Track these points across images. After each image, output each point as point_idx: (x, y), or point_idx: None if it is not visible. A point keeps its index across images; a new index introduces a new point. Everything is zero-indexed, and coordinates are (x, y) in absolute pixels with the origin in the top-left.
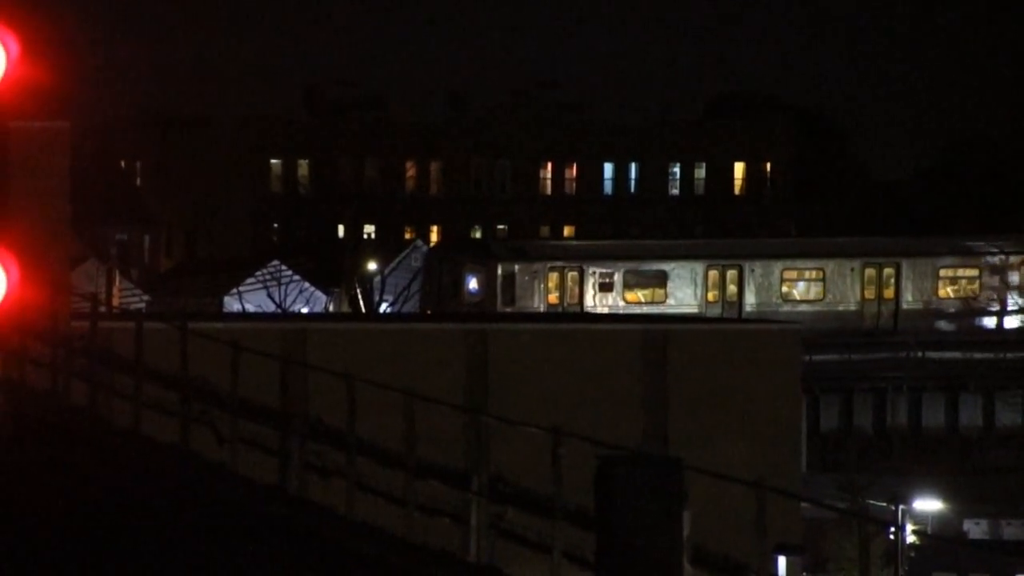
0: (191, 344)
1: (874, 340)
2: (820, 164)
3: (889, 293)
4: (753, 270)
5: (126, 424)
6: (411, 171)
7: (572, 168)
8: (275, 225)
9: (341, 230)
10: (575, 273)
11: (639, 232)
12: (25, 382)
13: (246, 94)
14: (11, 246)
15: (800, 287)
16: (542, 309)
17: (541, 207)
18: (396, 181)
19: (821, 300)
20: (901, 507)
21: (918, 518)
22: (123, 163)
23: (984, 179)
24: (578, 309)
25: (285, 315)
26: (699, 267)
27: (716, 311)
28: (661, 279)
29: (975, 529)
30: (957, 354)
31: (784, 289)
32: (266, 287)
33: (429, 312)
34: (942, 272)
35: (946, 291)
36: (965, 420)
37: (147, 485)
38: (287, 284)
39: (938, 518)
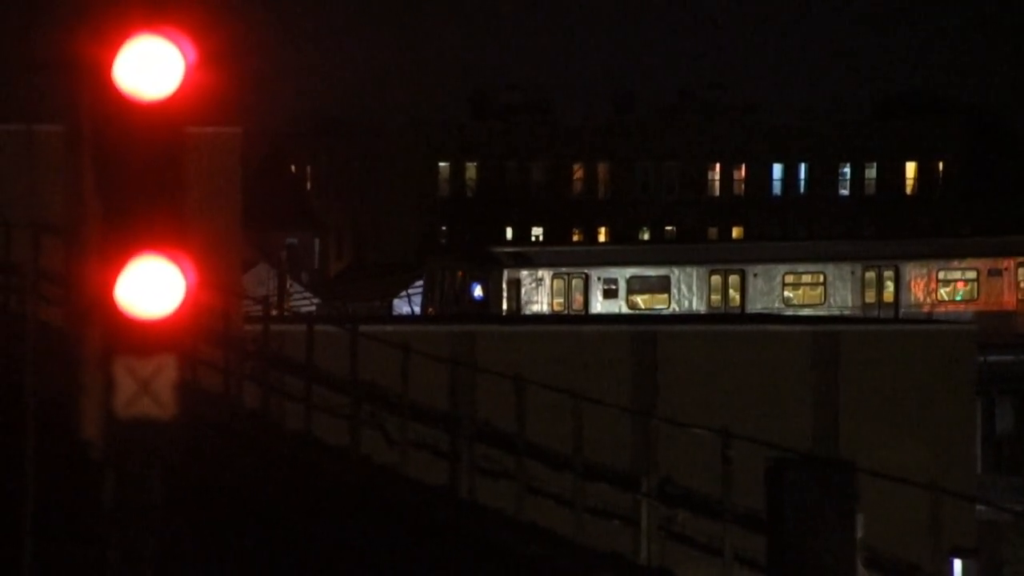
0: (361, 347)
1: None
2: (993, 163)
3: (888, 296)
4: (755, 275)
5: (297, 427)
6: (578, 173)
7: (740, 169)
8: (443, 228)
9: (509, 233)
10: (579, 280)
11: (806, 234)
12: (198, 385)
13: (415, 98)
14: (188, 250)
15: (800, 291)
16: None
17: (709, 209)
18: (563, 183)
19: (822, 304)
20: None
21: None
22: (293, 167)
23: None
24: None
25: (453, 317)
26: (702, 272)
27: None
28: (665, 284)
29: None
30: None
31: (786, 293)
32: None
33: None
34: (941, 275)
35: (941, 294)
36: None
37: (318, 488)
38: None
39: None
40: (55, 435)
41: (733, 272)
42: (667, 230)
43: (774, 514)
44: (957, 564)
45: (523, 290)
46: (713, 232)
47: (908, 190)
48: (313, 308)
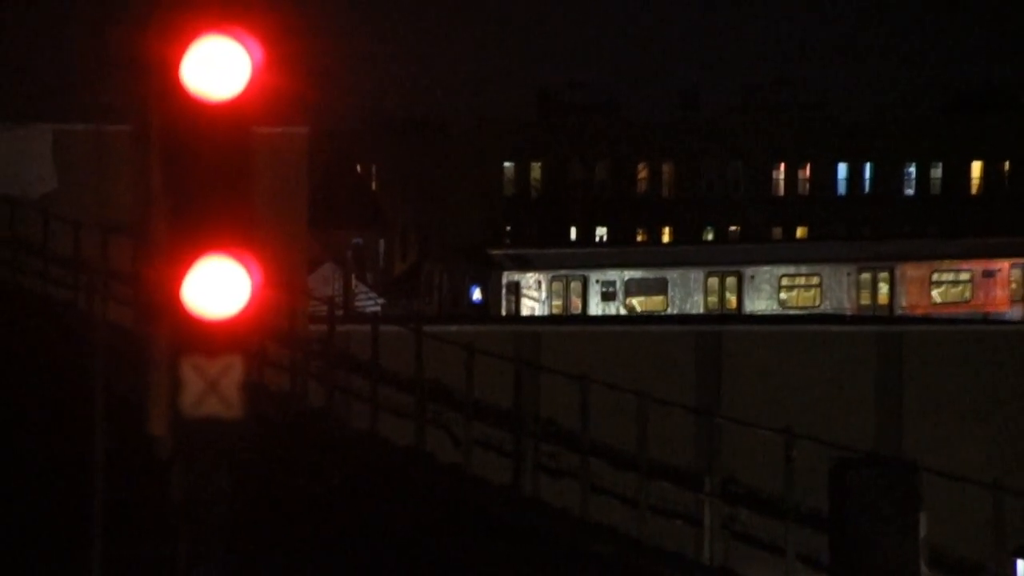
0: (426, 346)
1: None
2: None
3: (884, 298)
4: (752, 276)
5: (363, 426)
6: (642, 172)
7: (805, 168)
8: (508, 227)
9: (573, 232)
10: (578, 282)
11: (870, 232)
12: (264, 384)
13: (480, 98)
14: (255, 250)
15: (795, 293)
16: None
17: (773, 208)
18: (627, 182)
19: (817, 306)
20: None
21: None
22: (359, 167)
23: None
24: None
25: (518, 318)
26: (699, 274)
27: None
28: (662, 287)
29: None
30: None
31: (781, 295)
32: None
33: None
34: (935, 276)
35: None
36: None
37: (383, 486)
38: None
39: None
40: (123, 434)
41: (730, 274)
42: (731, 230)
43: (837, 513)
44: (1021, 564)
45: (522, 293)
46: (778, 232)
47: (974, 190)
48: (378, 308)
